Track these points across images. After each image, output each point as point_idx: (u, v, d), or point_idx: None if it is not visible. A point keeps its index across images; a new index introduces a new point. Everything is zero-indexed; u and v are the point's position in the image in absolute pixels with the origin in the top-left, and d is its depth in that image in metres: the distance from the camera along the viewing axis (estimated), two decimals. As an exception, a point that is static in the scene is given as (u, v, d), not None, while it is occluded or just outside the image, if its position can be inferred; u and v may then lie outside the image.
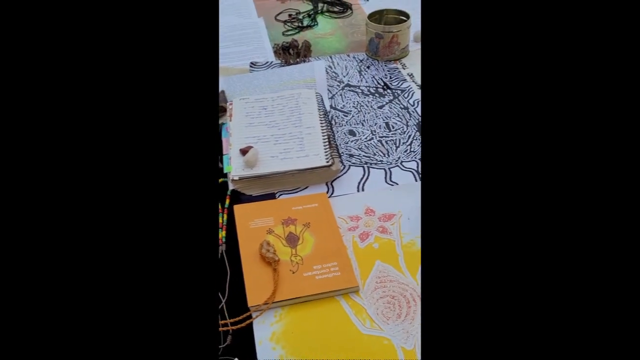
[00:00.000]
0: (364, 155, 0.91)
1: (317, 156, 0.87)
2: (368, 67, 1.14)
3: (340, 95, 1.06)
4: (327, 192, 0.84)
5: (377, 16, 1.18)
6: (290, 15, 1.35)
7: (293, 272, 0.71)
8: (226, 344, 0.64)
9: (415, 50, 1.18)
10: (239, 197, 0.84)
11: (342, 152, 0.92)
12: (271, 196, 0.85)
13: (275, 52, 1.19)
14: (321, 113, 0.96)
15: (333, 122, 0.99)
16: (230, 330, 0.65)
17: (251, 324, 0.66)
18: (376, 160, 0.90)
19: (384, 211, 0.80)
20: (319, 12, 1.37)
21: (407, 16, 1.16)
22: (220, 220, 0.79)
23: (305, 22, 1.32)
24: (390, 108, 1.02)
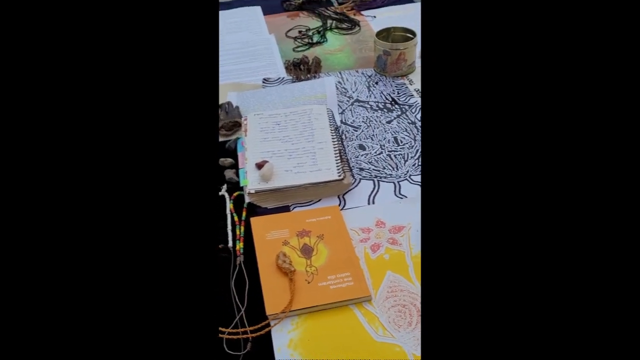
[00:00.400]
0: (373, 169, 0.95)
1: (329, 170, 0.91)
2: (376, 83, 1.18)
3: (350, 110, 1.10)
4: (339, 205, 0.88)
5: (384, 34, 1.23)
6: (300, 31, 1.40)
7: (308, 282, 0.75)
8: (246, 350, 0.68)
9: (421, 66, 1.22)
10: (255, 210, 0.88)
11: (353, 166, 0.96)
12: (286, 209, 0.88)
13: (286, 68, 1.23)
14: (332, 128, 1.00)
15: (343, 136, 1.03)
16: (250, 338, 0.69)
17: (270, 331, 0.70)
18: (385, 174, 0.94)
19: (394, 223, 0.84)
20: (328, 28, 1.41)
21: (414, 34, 1.20)
22: (238, 232, 0.83)
23: (315, 39, 1.36)
24: (399, 123, 1.06)
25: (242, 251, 0.80)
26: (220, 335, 0.69)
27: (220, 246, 0.81)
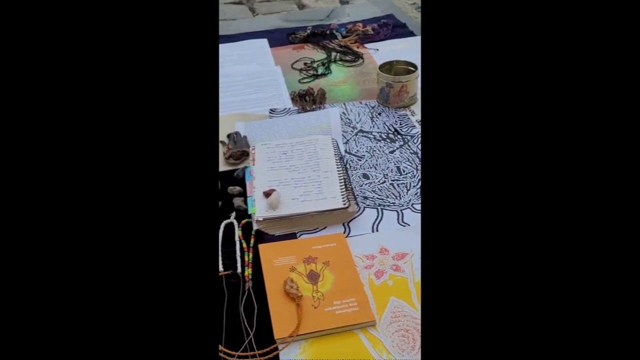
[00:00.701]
0: (377, 198, 0.99)
1: (334, 199, 0.94)
2: (379, 114, 1.22)
3: (354, 140, 1.14)
4: (344, 232, 0.91)
5: (387, 67, 1.27)
6: (305, 63, 1.45)
7: (315, 307, 0.77)
8: (255, 373, 0.70)
9: (423, 98, 1.26)
10: (262, 237, 0.91)
11: (357, 195, 0.99)
12: (292, 236, 0.92)
13: (292, 99, 1.28)
14: (337, 158, 1.03)
15: (348, 166, 1.07)
16: (259, 361, 0.71)
17: (278, 355, 0.72)
18: (389, 202, 0.97)
19: (397, 250, 0.87)
20: (332, 60, 1.46)
21: (416, 67, 1.24)
22: (247, 259, 0.86)
23: (320, 71, 1.41)
24: (401, 153, 1.10)
25: (250, 277, 0.83)
26: (229, 359, 0.71)
27: (228, 272, 0.84)
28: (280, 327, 0.75)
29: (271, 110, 1.26)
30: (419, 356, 0.71)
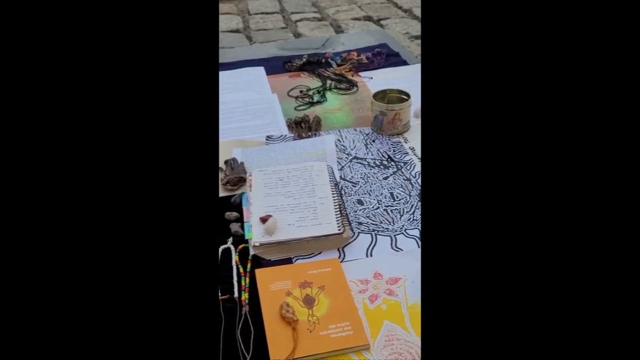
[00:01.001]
0: (371, 223, 1.01)
1: (329, 224, 0.96)
2: (373, 141, 1.25)
3: (349, 167, 1.17)
4: (339, 257, 0.93)
5: (381, 95, 1.31)
6: (301, 91, 1.48)
7: (310, 331, 0.79)
8: (252, 396, 0.71)
9: (415, 125, 1.29)
10: (259, 262, 0.93)
11: (352, 220, 1.01)
12: (288, 261, 0.94)
13: (288, 126, 1.31)
14: (332, 184, 1.06)
15: (343, 192, 1.09)
16: (255, 384, 0.73)
17: (274, 378, 0.74)
18: (383, 227, 1.00)
19: (391, 275, 0.89)
20: (328, 88, 1.50)
21: (408, 95, 1.28)
22: (243, 283, 0.88)
23: (315, 98, 1.45)
24: (394, 179, 1.12)
25: (247, 301, 0.85)
26: (227, 382, 0.73)
27: (225, 296, 0.85)
28: (277, 350, 0.76)
29: (268, 137, 1.28)
30: (412, 379, 0.73)
